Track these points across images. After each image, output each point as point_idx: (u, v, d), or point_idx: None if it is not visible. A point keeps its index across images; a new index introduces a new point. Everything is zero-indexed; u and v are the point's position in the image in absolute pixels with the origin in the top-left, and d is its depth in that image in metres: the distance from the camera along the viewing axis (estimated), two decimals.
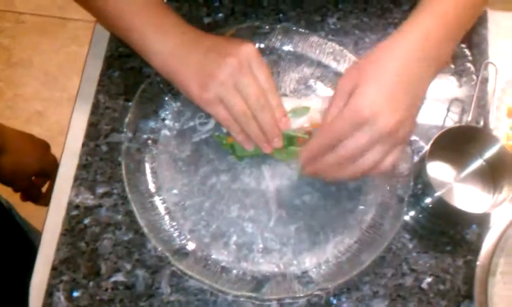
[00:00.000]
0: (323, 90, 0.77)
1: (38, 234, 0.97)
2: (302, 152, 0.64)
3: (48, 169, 0.90)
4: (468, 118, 0.75)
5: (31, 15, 2.08)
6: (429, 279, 0.69)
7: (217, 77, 0.64)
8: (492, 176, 0.72)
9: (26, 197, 0.92)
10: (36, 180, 0.91)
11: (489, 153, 0.72)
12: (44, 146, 0.91)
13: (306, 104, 0.69)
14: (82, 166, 0.72)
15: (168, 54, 0.67)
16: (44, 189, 0.95)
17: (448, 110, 0.78)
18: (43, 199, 0.94)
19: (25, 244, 0.92)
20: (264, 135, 0.67)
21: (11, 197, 0.96)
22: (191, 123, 0.74)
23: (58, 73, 1.99)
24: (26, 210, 1.00)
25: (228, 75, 0.64)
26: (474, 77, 0.80)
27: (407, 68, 0.61)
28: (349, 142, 0.60)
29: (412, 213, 0.72)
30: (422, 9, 0.64)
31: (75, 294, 0.66)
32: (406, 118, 0.60)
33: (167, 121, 0.74)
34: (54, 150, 0.94)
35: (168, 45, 0.67)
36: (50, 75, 1.98)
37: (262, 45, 0.79)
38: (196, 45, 0.66)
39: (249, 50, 0.65)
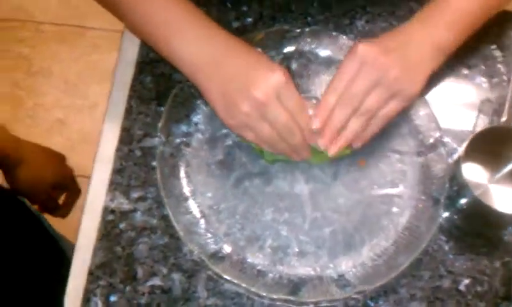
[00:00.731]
0: None
1: (68, 242, 0.98)
2: (317, 112, 0.66)
3: (65, 182, 0.91)
4: (503, 119, 0.74)
5: (50, 25, 2.10)
6: (466, 281, 0.68)
7: (241, 108, 0.62)
8: None
9: (43, 209, 0.93)
10: (52, 192, 0.92)
11: None
12: (60, 159, 0.92)
13: None
14: (117, 171, 0.73)
15: (199, 68, 0.65)
16: (61, 201, 0.95)
17: (479, 111, 0.78)
18: (60, 211, 0.94)
19: (56, 252, 0.92)
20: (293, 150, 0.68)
21: None
22: (223, 128, 0.74)
23: (78, 81, 2.00)
24: (54, 220, 1.01)
25: (253, 108, 0.62)
26: (505, 77, 0.80)
27: (408, 44, 0.65)
28: (352, 84, 0.64)
29: (447, 215, 0.72)
30: (425, 11, 0.69)
31: (112, 299, 0.67)
32: (399, 62, 0.64)
33: (199, 125, 0.75)
34: (75, 158, 0.95)
35: (199, 58, 0.65)
36: (70, 84, 2.00)
37: (292, 48, 0.79)
38: (227, 64, 0.64)
39: (277, 78, 0.62)
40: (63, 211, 0.95)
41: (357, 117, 0.65)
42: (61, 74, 2.02)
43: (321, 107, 0.65)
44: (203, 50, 0.65)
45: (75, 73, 2.01)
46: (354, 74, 0.63)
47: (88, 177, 0.73)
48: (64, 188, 0.93)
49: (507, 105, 0.75)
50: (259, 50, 0.69)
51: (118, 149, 0.74)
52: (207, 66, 0.64)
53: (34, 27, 2.10)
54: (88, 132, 1.85)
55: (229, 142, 0.74)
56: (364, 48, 0.63)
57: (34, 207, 0.92)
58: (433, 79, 0.78)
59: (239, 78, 0.63)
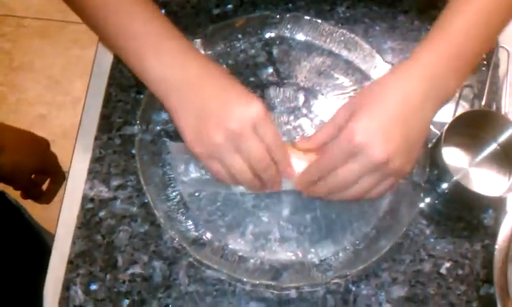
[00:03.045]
0: (335, 79, 0.77)
1: (49, 234, 0.97)
2: (297, 180, 0.64)
3: (48, 167, 0.90)
4: (482, 103, 0.74)
5: (31, 19, 2.08)
6: (447, 264, 0.69)
7: (213, 138, 0.58)
8: (507, 159, 0.72)
9: (26, 195, 0.92)
10: (36, 178, 0.90)
11: (504, 137, 0.72)
12: (44, 144, 0.90)
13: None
14: (96, 159, 0.72)
15: (171, 88, 0.60)
16: (44, 187, 0.94)
17: (459, 96, 0.78)
18: (43, 197, 0.93)
19: (37, 242, 0.91)
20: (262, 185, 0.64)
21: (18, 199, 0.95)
22: None
23: (61, 76, 1.98)
24: (34, 213, 1.00)
25: (227, 139, 0.58)
26: (485, 62, 0.80)
27: (406, 103, 0.58)
28: (341, 170, 0.59)
29: (428, 199, 0.72)
30: (428, 42, 0.61)
31: (93, 287, 0.66)
32: (400, 150, 0.57)
33: None
34: (58, 152, 0.94)
35: (172, 78, 0.60)
36: (52, 79, 1.98)
37: (273, 34, 0.79)
38: (202, 88, 0.59)
39: (254, 111, 0.58)
40: (46, 197, 0.93)
41: (342, 195, 0.62)
42: (43, 69, 2.00)
43: (303, 178, 0.63)
44: (178, 71, 0.60)
45: (58, 68, 2.00)
46: (347, 159, 0.58)
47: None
48: (48, 174, 0.92)
49: (486, 90, 0.75)
50: (234, 80, 0.63)
51: (97, 138, 0.73)
52: (181, 87, 0.59)
53: (15, 22, 2.08)
54: (70, 127, 1.84)
55: None
56: (363, 136, 0.56)
57: (17, 193, 0.91)
58: None
59: (214, 105, 0.58)
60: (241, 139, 0.58)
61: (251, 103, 0.59)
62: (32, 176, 0.88)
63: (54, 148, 0.93)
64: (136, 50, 0.60)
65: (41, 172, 0.89)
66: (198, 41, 0.75)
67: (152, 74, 0.60)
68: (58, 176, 0.92)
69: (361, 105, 0.59)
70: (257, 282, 0.65)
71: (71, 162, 0.73)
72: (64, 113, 1.91)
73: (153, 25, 0.61)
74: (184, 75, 0.60)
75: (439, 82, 0.59)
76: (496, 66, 0.79)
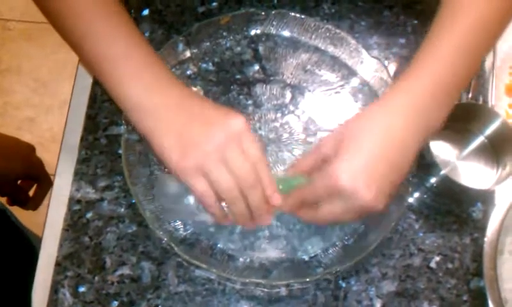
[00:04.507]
0: (321, 75, 0.77)
1: (36, 237, 0.96)
2: (281, 207, 0.63)
3: (34, 173, 0.89)
4: (469, 96, 0.74)
5: (17, 22, 2.06)
6: (437, 258, 0.69)
7: (202, 147, 0.56)
8: (494, 152, 0.72)
9: (13, 201, 0.91)
10: (22, 184, 0.90)
11: (491, 130, 0.72)
12: (29, 149, 0.89)
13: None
14: (82, 160, 0.71)
15: (149, 112, 0.58)
16: (31, 193, 0.93)
17: None
18: (30, 203, 0.92)
19: (24, 245, 0.90)
20: (250, 213, 0.61)
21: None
22: None
23: (48, 79, 1.97)
24: (21, 217, 0.99)
25: (214, 147, 0.56)
26: None
27: (390, 140, 0.57)
28: (324, 207, 0.59)
29: (417, 194, 0.72)
30: (410, 73, 0.59)
31: (81, 289, 0.65)
32: (381, 190, 0.57)
33: None
34: (45, 157, 0.93)
35: (149, 102, 0.58)
36: (39, 82, 1.96)
37: (258, 31, 0.78)
38: (182, 109, 0.58)
39: (239, 123, 0.57)
40: (33, 203, 0.92)
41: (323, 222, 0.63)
42: (30, 72, 1.98)
43: (286, 201, 0.62)
44: (156, 96, 0.58)
45: (45, 71, 1.98)
46: (331, 198, 0.58)
47: None
48: (35, 180, 0.91)
49: (473, 83, 0.75)
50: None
51: (82, 138, 0.73)
52: (159, 111, 0.58)
53: (1, 25, 2.06)
54: (58, 130, 1.81)
55: None
56: (347, 180, 0.56)
57: (3, 200, 0.90)
58: (401, 59, 0.78)
59: (196, 123, 0.57)
60: (227, 148, 0.57)
61: (235, 117, 0.58)
62: (18, 182, 0.88)
63: (42, 151, 0.93)
64: (113, 72, 0.58)
65: (27, 177, 0.89)
66: (183, 39, 0.75)
67: (129, 99, 0.58)
68: (44, 182, 0.91)
69: (347, 139, 0.58)
70: (247, 280, 0.64)
71: (57, 163, 0.72)
72: (52, 116, 1.89)
73: (134, 50, 0.59)
74: (162, 100, 0.58)
75: (423, 114, 0.58)
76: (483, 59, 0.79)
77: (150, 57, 0.60)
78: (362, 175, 0.56)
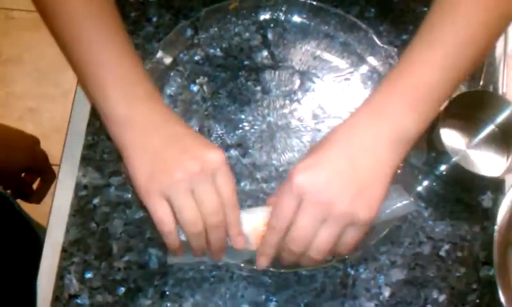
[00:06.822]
0: (331, 61, 0.76)
1: (41, 226, 0.96)
2: (258, 255, 0.60)
3: (38, 165, 0.88)
4: (479, 84, 0.74)
5: (20, 11, 2.05)
6: (446, 247, 0.68)
7: (172, 174, 0.53)
8: (505, 140, 0.72)
9: (16, 194, 0.90)
10: (26, 177, 0.89)
11: (501, 118, 0.72)
12: (33, 142, 0.88)
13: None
14: (89, 146, 0.71)
15: (128, 125, 0.55)
16: (35, 186, 0.92)
17: None
18: (34, 197, 0.91)
19: (28, 232, 0.90)
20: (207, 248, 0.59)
21: None
22: (198, 97, 0.73)
23: (50, 69, 1.96)
24: (26, 207, 0.98)
25: (186, 176, 0.53)
26: None
27: (354, 144, 0.55)
28: (297, 221, 0.55)
29: (426, 182, 0.71)
30: (387, 85, 0.57)
31: (88, 275, 0.65)
32: (344, 192, 0.53)
33: (173, 98, 0.73)
34: (48, 147, 0.92)
35: (129, 116, 0.55)
36: (41, 72, 1.95)
37: (267, 17, 0.77)
38: (161, 130, 0.56)
39: (217, 157, 0.55)
40: (37, 196, 0.92)
41: (308, 256, 0.57)
42: (32, 62, 1.97)
43: (264, 247, 0.59)
44: (138, 110, 0.56)
45: (47, 61, 1.97)
46: (294, 212, 0.55)
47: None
48: (38, 173, 0.90)
49: (483, 70, 0.75)
50: None
51: (89, 124, 0.72)
52: (140, 127, 0.55)
53: (4, 14, 2.05)
54: (60, 121, 1.81)
55: (205, 113, 0.72)
56: (300, 181, 0.53)
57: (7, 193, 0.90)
58: None
59: (174, 148, 0.55)
60: (199, 181, 0.54)
61: (214, 151, 0.55)
62: (22, 175, 0.87)
63: (45, 142, 0.92)
64: (96, 78, 0.56)
65: (31, 170, 0.88)
66: (191, 24, 0.74)
67: (109, 109, 0.56)
68: (48, 175, 0.90)
69: (314, 157, 0.55)
70: (254, 267, 0.64)
71: (63, 149, 0.72)
72: (54, 106, 1.88)
73: (123, 61, 0.57)
74: (142, 117, 0.56)
75: (392, 120, 0.55)
76: (493, 46, 0.78)
77: (138, 75, 0.58)
78: (319, 170, 0.54)
